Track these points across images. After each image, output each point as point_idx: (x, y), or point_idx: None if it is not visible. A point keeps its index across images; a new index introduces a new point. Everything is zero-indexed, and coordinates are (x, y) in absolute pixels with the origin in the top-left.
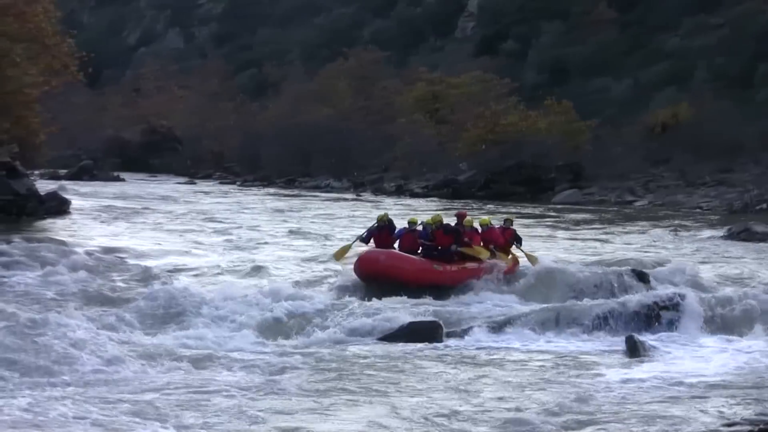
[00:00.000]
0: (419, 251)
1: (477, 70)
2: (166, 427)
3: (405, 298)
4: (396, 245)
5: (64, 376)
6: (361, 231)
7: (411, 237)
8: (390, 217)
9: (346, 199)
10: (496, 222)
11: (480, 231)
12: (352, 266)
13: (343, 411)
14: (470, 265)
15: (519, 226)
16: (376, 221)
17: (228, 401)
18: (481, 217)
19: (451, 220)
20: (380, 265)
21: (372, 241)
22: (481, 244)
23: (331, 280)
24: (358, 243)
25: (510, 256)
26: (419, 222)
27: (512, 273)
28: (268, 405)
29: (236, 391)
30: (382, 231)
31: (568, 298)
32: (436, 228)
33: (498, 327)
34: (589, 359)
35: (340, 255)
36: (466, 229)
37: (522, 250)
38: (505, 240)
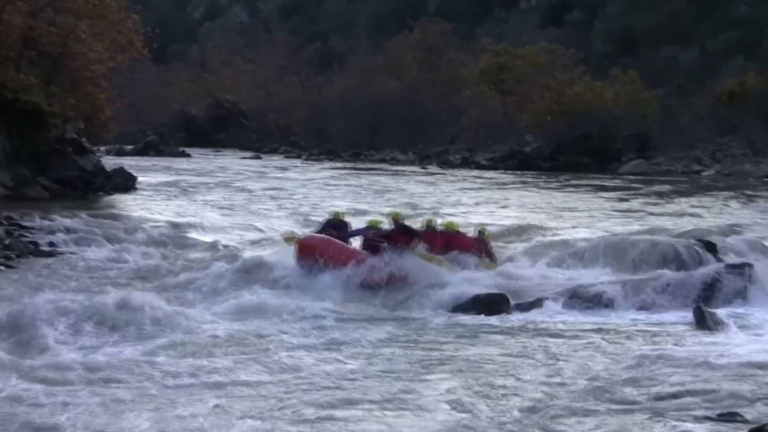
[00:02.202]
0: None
1: (543, 40)
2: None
3: (472, 270)
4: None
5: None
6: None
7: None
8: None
9: (412, 173)
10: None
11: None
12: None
13: (410, 385)
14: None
15: (585, 197)
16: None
17: (293, 370)
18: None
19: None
20: (315, 251)
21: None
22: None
23: None
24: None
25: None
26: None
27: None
28: (339, 377)
29: (312, 361)
30: (334, 227)
31: (636, 270)
32: (399, 222)
33: (565, 299)
34: (656, 330)
35: (288, 239)
36: (426, 230)
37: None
38: (475, 249)
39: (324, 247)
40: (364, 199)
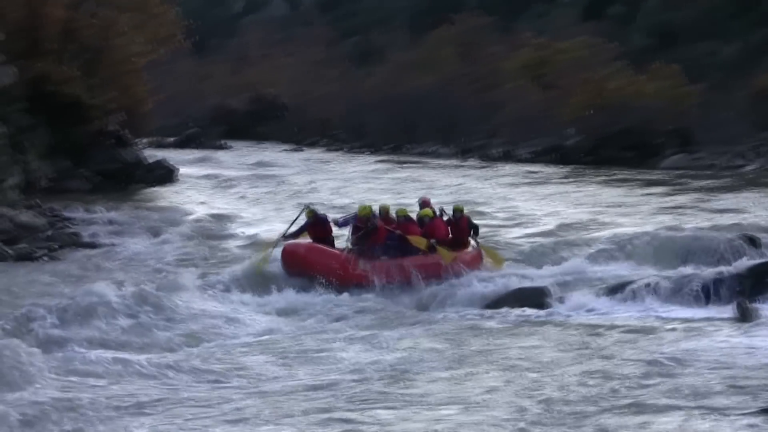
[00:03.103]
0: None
1: (583, 34)
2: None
3: (512, 263)
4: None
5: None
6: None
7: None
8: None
9: (454, 166)
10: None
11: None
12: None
13: (451, 378)
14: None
15: (628, 192)
16: (302, 215)
17: (340, 364)
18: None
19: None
20: (300, 258)
21: (309, 235)
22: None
23: None
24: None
25: (464, 250)
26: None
27: (476, 267)
28: (379, 375)
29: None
30: (314, 225)
31: (679, 264)
32: (364, 218)
33: (606, 293)
34: (699, 325)
35: (259, 266)
36: (400, 220)
37: (481, 245)
38: (457, 231)
39: (309, 254)
40: (407, 192)
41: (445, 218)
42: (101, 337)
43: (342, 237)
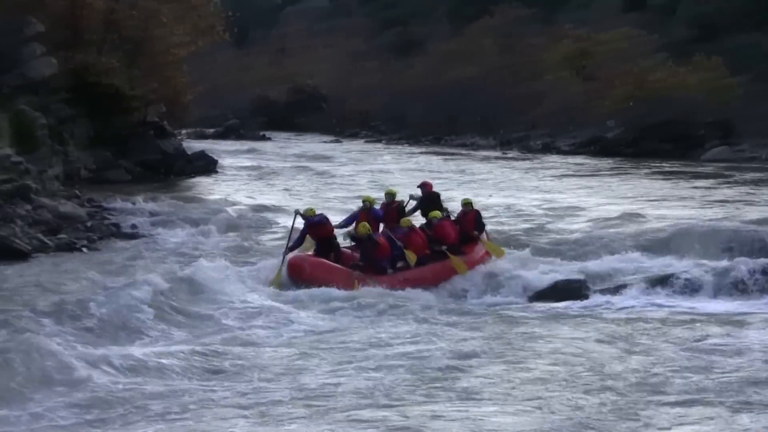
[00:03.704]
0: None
1: (624, 26)
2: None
3: (551, 256)
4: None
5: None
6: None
7: (365, 216)
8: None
9: (494, 158)
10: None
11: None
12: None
13: (496, 374)
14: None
15: (669, 184)
16: (305, 217)
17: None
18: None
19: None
20: (306, 274)
21: (311, 238)
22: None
23: None
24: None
25: (473, 249)
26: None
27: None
28: (420, 368)
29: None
30: (313, 226)
31: (721, 256)
32: (362, 238)
33: (647, 285)
34: (741, 318)
35: (275, 283)
36: (403, 231)
37: (483, 240)
38: (463, 226)
39: (315, 271)
40: (449, 185)
41: (453, 217)
42: (138, 330)
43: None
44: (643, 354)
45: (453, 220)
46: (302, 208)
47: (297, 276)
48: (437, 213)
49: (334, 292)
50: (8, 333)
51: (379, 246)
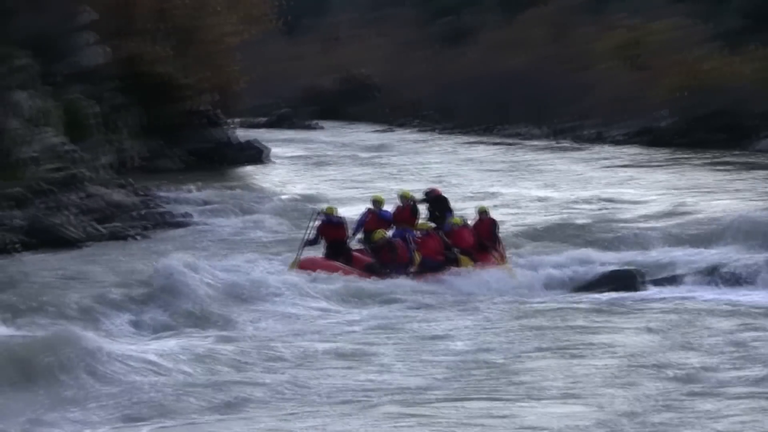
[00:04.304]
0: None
1: (676, 15)
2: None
3: (604, 248)
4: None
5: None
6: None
7: (374, 220)
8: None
9: (546, 148)
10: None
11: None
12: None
13: (549, 367)
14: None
15: (722, 174)
16: (314, 220)
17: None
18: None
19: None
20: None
21: (322, 239)
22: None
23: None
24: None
25: (488, 257)
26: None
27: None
28: (471, 363)
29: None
30: (328, 225)
31: None
32: (380, 244)
33: (701, 277)
34: None
35: (292, 266)
36: (419, 235)
37: (495, 256)
38: (481, 237)
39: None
40: (502, 175)
41: (471, 223)
42: (189, 318)
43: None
44: (697, 347)
45: (472, 226)
46: (324, 206)
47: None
48: (459, 220)
49: (389, 286)
50: (59, 321)
51: (397, 251)
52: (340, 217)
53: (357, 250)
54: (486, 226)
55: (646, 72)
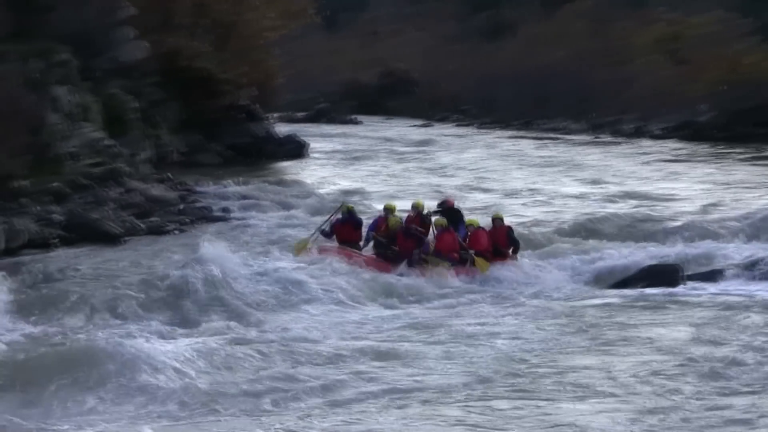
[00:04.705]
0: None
1: (717, 9)
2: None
3: (644, 242)
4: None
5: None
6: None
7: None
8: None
9: (586, 143)
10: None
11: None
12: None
13: (579, 363)
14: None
15: (760, 169)
16: (339, 212)
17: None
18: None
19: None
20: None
21: (334, 235)
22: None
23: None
24: (318, 236)
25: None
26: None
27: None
28: (510, 358)
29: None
30: (345, 224)
31: None
32: (398, 228)
33: (740, 271)
34: None
35: (299, 249)
36: (438, 230)
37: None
38: (496, 241)
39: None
40: (541, 172)
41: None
42: (226, 312)
43: None
44: (735, 342)
45: (488, 231)
46: (350, 203)
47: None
48: (475, 221)
49: (429, 282)
50: (95, 317)
51: (412, 238)
52: (359, 219)
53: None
54: (502, 233)
55: (685, 66)
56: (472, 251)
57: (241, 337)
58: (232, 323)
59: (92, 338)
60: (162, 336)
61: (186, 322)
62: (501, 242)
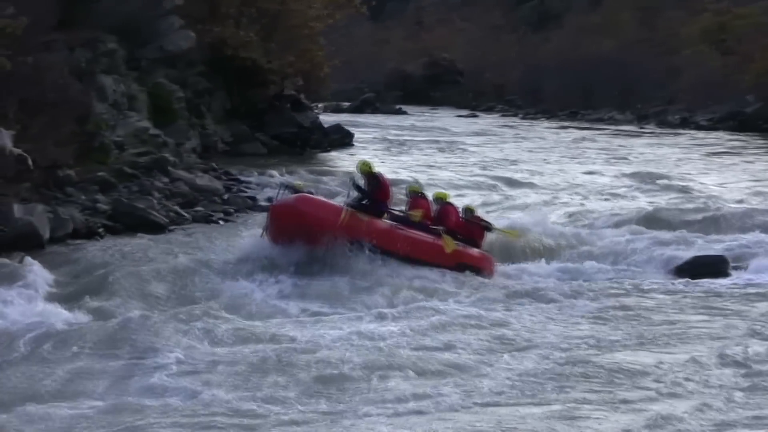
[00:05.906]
0: None
1: None
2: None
3: (691, 232)
4: None
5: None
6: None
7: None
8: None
9: (632, 134)
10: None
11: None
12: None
13: (625, 351)
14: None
15: None
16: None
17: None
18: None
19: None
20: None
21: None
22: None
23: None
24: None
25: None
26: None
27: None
28: (561, 345)
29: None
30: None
31: None
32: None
33: None
34: None
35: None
36: (411, 195)
37: (498, 229)
38: (468, 231)
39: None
40: (588, 162)
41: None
42: (269, 305)
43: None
44: None
45: (458, 209)
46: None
47: (285, 216)
48: (445, 194)
49: (467, 278)
50: (138, 306)
51: (380, 185)
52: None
53: None
54: (474, 224)
55: (733, 57)
56: (441, 228)
57: (275, 331)
58: (269, 317)
59: (136, 325)
60: (197, 324)
61: (232, 309)
62: (474, 234)
